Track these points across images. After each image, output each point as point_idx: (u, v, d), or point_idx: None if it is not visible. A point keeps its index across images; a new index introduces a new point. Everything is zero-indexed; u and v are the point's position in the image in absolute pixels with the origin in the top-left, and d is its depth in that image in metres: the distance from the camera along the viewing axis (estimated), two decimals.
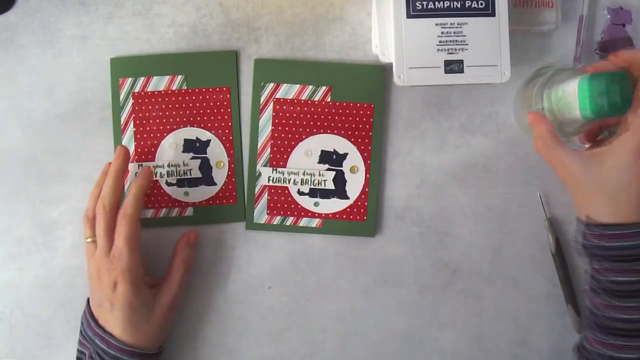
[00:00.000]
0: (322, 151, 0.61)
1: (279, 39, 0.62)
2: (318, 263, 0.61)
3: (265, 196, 0.61)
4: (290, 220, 0.61)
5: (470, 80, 0.56)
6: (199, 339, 0.60)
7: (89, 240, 0.56)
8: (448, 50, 0.56)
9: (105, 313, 0.54)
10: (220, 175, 0.61)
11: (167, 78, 0.61)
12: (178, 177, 0.61)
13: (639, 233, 0.49)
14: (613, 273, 0.50)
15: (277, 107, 0.61)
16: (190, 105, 0.61)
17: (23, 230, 0.61)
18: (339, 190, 0.61)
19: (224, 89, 0.61)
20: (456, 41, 0.56)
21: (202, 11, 0.62)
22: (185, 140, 0.61)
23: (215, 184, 0.61)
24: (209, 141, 0.61)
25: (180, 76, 0.61)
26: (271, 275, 0.61)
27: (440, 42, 0.56)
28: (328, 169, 0.61)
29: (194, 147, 0.61)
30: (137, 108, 0.61)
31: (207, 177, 0.61)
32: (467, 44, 0.56)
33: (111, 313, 0.54)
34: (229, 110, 0.61)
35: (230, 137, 0.61)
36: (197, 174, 0.61)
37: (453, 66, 0.56)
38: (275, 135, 0.61)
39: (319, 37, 0.62)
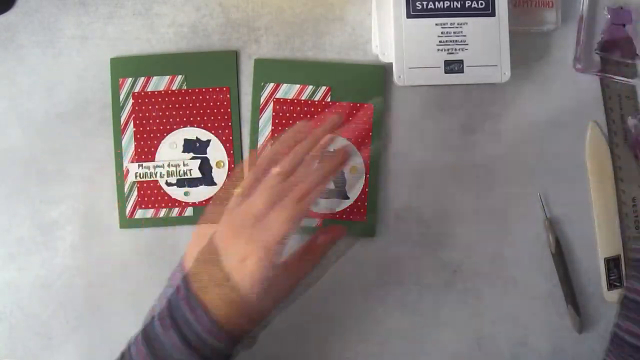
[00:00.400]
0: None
1: (279, 39, 0.62)
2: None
3: None
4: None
5: (470, 80, 0.56)
6: None
7: (240, 190, 0.48)
8: (448, 50, 0.56)
9: (212, 278, 0.45)
10: (220, 175, 0.61)
11: (167, 78, 0.61)
12: (178, 177, 0.61)
13: None
14: None
15: (277, 107, 0.61)
16: (190, 105, 0.61)
17: (23, 230, 0.61)
18: (339, 191, 0.61)
19: (224, 89, 0.61)
20: (456, 41, 0.56)
21: (202, 11, 0.62)
22: (185, 140, 0.61)
23: (215, 184, 0.61)
24: (209, 141, 0.61)
25: (180, 76, 0.61)
26: None
27: (440, 42, 0.56)
28: None
29: (194, 147, 0.61)
30: (137, 108, 0.61)
31: (207, 177, 0.61)
32: (467, 44, 0.56)
33: (219, 286, 0.45)
34: (229, 110, 0.61)
35: (231, 137, 0.61)
36: (197, 174, 0.61)
37: (453, 66, 0.56)
38: (276, 135, 0.61)
39: (319, 37, 0.62)
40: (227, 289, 0.45)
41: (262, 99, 0.61)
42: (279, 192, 0.46)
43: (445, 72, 0.56)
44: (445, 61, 0.56)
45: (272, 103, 0.61)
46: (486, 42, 0.56)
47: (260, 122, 0.61)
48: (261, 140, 0.61)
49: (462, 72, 0.56)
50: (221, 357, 0.47)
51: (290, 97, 0.61)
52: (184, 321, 0.46)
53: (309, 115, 0.61)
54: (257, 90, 0.61)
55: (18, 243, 0.61)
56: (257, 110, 0.61)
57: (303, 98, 0.61)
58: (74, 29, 0.61)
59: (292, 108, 0.61)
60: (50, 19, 0.61)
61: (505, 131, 0.62)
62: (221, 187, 0.59)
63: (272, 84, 0.61)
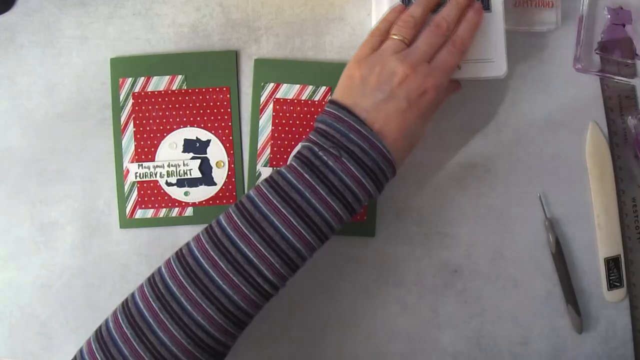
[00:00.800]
0: None
1: (279, 39, 0.62)
2: (318, 263, 0.61)
3: None
4: None
5: (467, 75, 0.56)
6: None
7: (399, 37, 0.51)
8: None
9: (392, 109, 0.48)
10: (220, 175, 0.61)
11: (167, 78, 0.61)
12: (178, 177, 0.61)
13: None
14: None
15: (277, 107, 0.61)
16: (190, 105, 0.61)
17: (23, 230, 0.61)
18: None
19: (224, 89, 0.61)
20: None
21: (202, 11, 0.62)
22: (185, 140, 0.61)
23: (215, 184, 0.61)
24: (209, 141, 0.61)
25: (180, 76, 0.61)
26: None
27: None
28: None
29: (194, 147, 0.61)
30: (137, 108, 0.61)
31: (207, 177, 0.61)
32: None
33: (405, 112, 0.48)
34: (229, 110, 0.61)
35: (231, 137, 0.61)
36: (197, 174, 0.61)
37: None
38: (275, 135, 0.61)
39: (319, 37, 0.62)
40: (409, 118, 0.49)
41: (262, 99, 0.61)
42: (439, 40, 0.51)
43: None
44: None
45: (272, 103, 0.61)
46: (482, 37, 0.56)
47: (260, 122, 0.61)
48: (261, 140, 0.61)
49: (459, 68, 0.56)
50: (370, 196, 0.49)
51: (290, 97, 0.61)
52: (357, 148, 0.47)
53: (309, 115, 0.61)
54: (257, 90, 0.61)
55: (18, 243, 0.61)
56: (257, 110, 0.61)
57: (303, 98, 0.61)
58: (74, 29, 0.61)
59: (292, 108, 0.61)
60: (50, 19, 0.61)
61: (505, 131, 0.62)
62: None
63: (272, 84, 0.61)
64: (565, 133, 0.62)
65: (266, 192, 0.47)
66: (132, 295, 0.48)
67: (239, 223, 0.46)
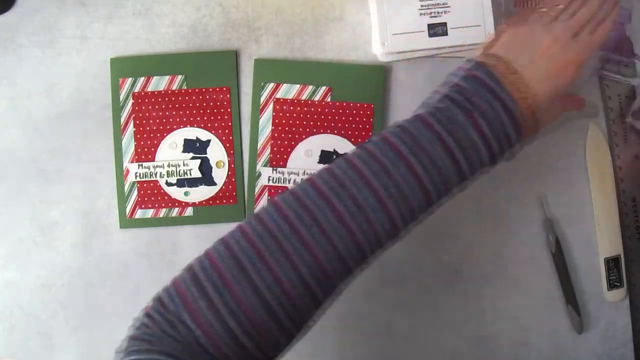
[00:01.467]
0: (322, 151, 0.61)
1: (279, 39, 0.62)
2: None
3: (266, 196, 0.61)
4: None
5: (454, 42, 0.56)
6: None
7: (545, 10, 0.51)
8: (431, 13, 0.57)
9: (526, 72, 0.47)
10: (220, 175, 0.61)
11: (167, 78, 0.61)
12: (178, 177, 0.61)
13: None
14: None
15: (277, 107, 0.61)
16: (190, 105, 0.61)
17: (23, 230, 0.61)
18: None
19: (224, 88, 0.61)
20: (438, 4, 0.57)
21: (202, 11, 0.62)
22: (185, 140, 0.61)
23: (215, 184, 0.61)
24: (209, 141, 0.61)
25: (180, 76, 0.61)
26: None
27: (422, 6, 0.57)
28: None
29: (194, 147, 0.61)
30: (137, 108, 0.61)
31: (207, 177, 0.61)
32: (449, 7, 0.57)
33: (540, 83, 0.47)
34: (229, 110, 0.61)
35: (230, 137, 0.61)
36: (197, 174, 0.61)
37: (437, 29, 0.57)
38: (276, 135, 0.61)
39: (319, 37, 0.62)
40: (543, 89, 0.47)
41: (262, 99, 0.61)
42: (593, 13, 0.50)
43: (430, 36, 0.57)
44: (429, 25, 0.57)
45: (272, 103, 0.61)
46: (469, 3, 0.56)
47: (260, 122, 0.61)
48: (261, 139, 0.61)
49: (446, 34, 0.56)
50: (493, 161, 0.48)
51: (290, 97, 0.61)
52: (489, 108, 0.45)
53: (309, 115, 0.61)
54: (257, 90, 0.61)
55: (18, 243, 0.61)
56: (257, 110, 0.61)
57: (303, 98, 0.61)
58: (74, 29, 0.61)
59: (292, 108, 0.61)
60: (50, 19, 0.61)
61: None
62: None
63: (272, 84, 0.61)
64: (565, 133, 0.62)
65: (393, 139, 0.45)
66: (233, 236, 0.45)
67: (361, 167, 0.44)
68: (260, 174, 0.61)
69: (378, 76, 0.61)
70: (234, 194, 0.61)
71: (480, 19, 0.57)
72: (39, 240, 0.61)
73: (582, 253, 0.61)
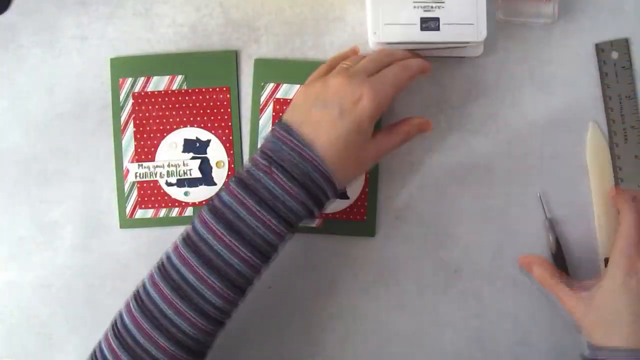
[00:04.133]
0: None
1: (279, 39, 0.62)
2: (318, 263, 0.61)
3: None
4: None
5: (446, 38, 0.56)
6: None
7: (345, 65, 0.52)
8: (424, 7, 0.57)
9: (325, 118, 0.48)
10: (220, 175, 0.61)
11: (167, 78, 0.61)
12: (178, 177, 0.61)
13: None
14: None
15: (277, 107, 0.61)
16: (190, 105, 0.61)
17: (23, 230, 0.61)
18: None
19: (224, 88, 0.61)
20: None
21: (202, 11, 0.62)
22: (185, 140, 0.61)
23: (215, 184, 0.61)
24: (209, 141, 0.61)
25: (180, 76, 0.61)
26: (271, 275, 0.61)
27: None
28: None
29: (194, 147, 0.61)
30: (137, 108, 0.61)
31: (207, 177, 0.61)
32: (443, 2, 0.57)
33: (335, 120, 0.47)
34: (229, 110, 0.61)
35: (231, 137, 0.61)
36: (197, 174, 0.61)
37: (429, 24, 0.57)
38: None
39: (319, 37, 0.62)
40: (341, 127, 0.48)
41: (263, 99, 0.61)
42: (382, 61, 0.52)
43: (422, 30, 0.57)
44: (422, 18, 0.57)
45: (272, 103, 0.61)
46: (463, 0, 0.56)
47: (261, 122, 0.61)
48: (261, 140, 0.61)
49: (438, 29, 0.56)
50: (308, 212, 0.49)
51: (290, 97, 0.61)
52: (288, 162, 0.47)
53: None
54: (257, 90, 0.61)
55: (18, 243, 0.61)
56: (257, 110, 0.61)
57: None
58: (74, 29, 0.61)
59: None
60: (50, 19, 0.61)
61: (505, 131, 0.62)
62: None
63: (272, 84, 0.61)
64: (565, 133, 0.62)
65: (205, 216, 0.48)
66: (143, 285, 0.49)
67: (183, 251, 0.47)
68: None
69: None
70: None
71: (474, 18, 0.57)
72: (39, 240, 0.61)
73: (582, 253, 0.61)
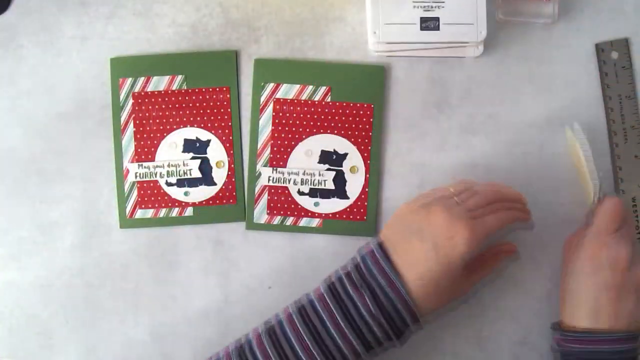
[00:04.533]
0: (322, 151, 0.61)
1: (279, 39, 0.62)
2: (318, 263, 0.61)
3: (266, 196, 0.61)
4: (290, 220, 0.61)
5: (446, 38, 0.57)
6: (199, 339, 0.60)
7: (455, 199, 0.51)
8: (424, 7, 0.57)
9: (419, 250, 0.48)
10: (220, 175, 0.61)
11: (167, 78, 0.61)
12: (178, 177, 0.61)
13: (609, 341, 0.51)
14: None
15: (277, 107, 0.61)
16: (191, 105, 0.61)
17: (23, 230, 0.61)
18: (339, 190, 0.61)
19: (224, 88, 0.61)
20: None
21: (202, 11, 0.62)
22: (186, 140, 0.61)
23: (215, 184, 0.61)
24: (209, 141, 0.61)
25: (180, 76, 0.61)
26: (271, 275, 0.61)
27: None
28: (328, 169, 0.61)
29: (194, 147, 0.61)
30: (137, 108, 0.61)
31: (207, 177, 0.61)
32: (443, 2, 0.57)
33: (428, 254, 0.48)
34: (229, 110, 0.61)
35: (231, 137, 0.61)
36: (197, 174, 0.61)
37: (429, 23, 0.57)
38: (276, 135, 0.61)
39: (319, 37, 0.62)
40: (431, 262, 0.48)
41: (262, 99, 0.61)
42: (489, 201, 0.52)
43: (421, 29, 0.57)
44: (421, 18, 0.57)
45: (272, 103, 0.61)
46: (463, 0, 0.57)
47: (260, 122, 0.61)
48: (261, 139, 0.61)
49: (438, 29, 0.56)
50: (388, 338, 0.50)
51: (290, 97, 0.61)
52: (376, 285, 0.48)
53: (309, 115, 0.61)
54: (257, 90, 0.61)
55: (18, 243, 0.61)
56: (257, 110, 0.61)
57: (303, 98, 0.61)
58: (74, 29, 0.61)
59: (292, 108, 0.61)
60: (50, 19, 0.61)
61: (505, 131, 0.62)
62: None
63: (272, 84, 0.61)
64: (565, 133, 0.62)
65: (294, 318, 0.50)
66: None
67: (264, 344, 0.49)
68: (260, 174, 0.61)
69: (378, 76, 0.61)
70: (234, 194, 0.61)
71: (474, 18, 0.57)
72: (39, 240, 0.61)
73: None
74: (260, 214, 0.61)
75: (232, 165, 0.61)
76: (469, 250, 0.48)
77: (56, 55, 0.61)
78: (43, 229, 0.61)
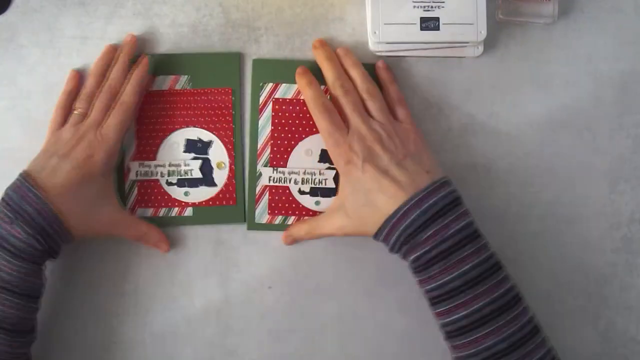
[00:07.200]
0: (323, 150, 0.61)
1: (279, 39, 0.62)
2: (318, 263, 0.61)
3: (266, 196, 0.61)
4: (291, 220, 0.61)
5: (446, 38, 0.57)
6: (199, 339, 0.60)
7: (77, 112, 0.57)
8: (424, 7, 0.57)
9: (56, 170, 0.54)
10: (220, 176, 0.61)
11: (170, 78, 0.61)
12: (179, 177, 0.61)
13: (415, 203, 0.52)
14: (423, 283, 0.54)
15: (277, 106, 0.61)
16: (193, 105, 0.61)
17: None
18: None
19: (227, 90, 0.61)
20: None
21: (202, 11, 0.62)
22: (187, 140, 0.61)
23: (215, 185, 0.61)
24: (210, 142, 0.61)
25: (184, 76, 0.61)
26: (271, 275, 0.61)
27: None
28: (328, 168, 0.61)
29: (195, 147, 0.61)
30: (140, 107, 0.60)
31: (207, 178, 0.61)
32: (443, 2, 0.57)
33: (69, 171, 0.54)
34: (232, 111, 0.61)
35: (232, 139, 0.61)
36: (198, 174, 0.61)
37: (429, 23, 0.57)
38: (275, 135, 0.61)
39: (319, 37, 0.62)
40: (76, 176, 0.54)
41: (261, 99, 0.61)
42: (107, 102, 0.57)
43: (421, 29, 0.57)
44: (421, 18, 0.57)
45: (271, 103, 0.61)
46: (463, 0, 0.57)
47: (260, 122, 0.61)
48: (261, 140, 0.61)
49: (438, 29, 0.56)
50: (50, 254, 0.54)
51: (289, 97, 0.61)
52: (25, 210, 0.52)
53: (308, 115, 0.61)
54: (256, 90, 0.61)
55: None
56: (257, 111, 0.61)
57: (302, 97, 0.61)
58: (74, 29, 0.61)
59: (291, 108, 0.61)
60: (50, 19, 0.61)
61: (505, 131, 0.62)
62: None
63: (270, 84, 0.61)
64: (565, 133, 0.62)
65: None
66: None
67: None
68: (260, 174, 0.61)
69: (371, 73, 0.61)
70: (234, 195, 0.61)
71: (474, 17, 0.57)
72: None
73: (582, 253, 0.61)
74: (261, 214, 0.61)
75: (233, 167, 0.61)
76: (110, 156, 0.56)
77: (56, 55, 0.61)
78: None
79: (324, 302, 0.61)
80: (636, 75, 0.63)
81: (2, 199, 0.53)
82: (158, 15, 0.62)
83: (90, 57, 0.61)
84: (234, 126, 0.61)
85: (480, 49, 0.60)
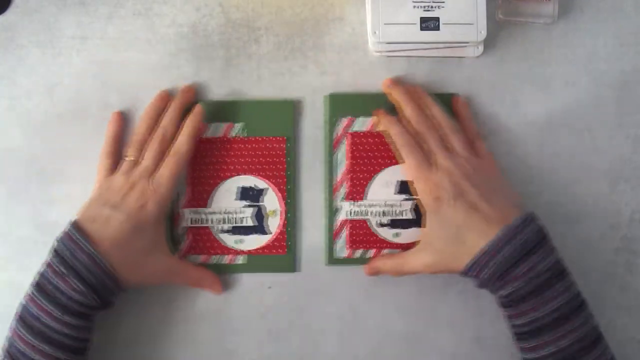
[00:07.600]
0: (400, 181, 0.60)
1: (279, 39, 0.62)
2: (317, 263, 0.61)
3: (346, 230, 0.60)
4: (370, 253, 0.60)
5: (446, 38, 0.57)
6: (198, 339, 0.60)
7: (129, 159, 0.57)
8: (424, 7, 0.57)
9: (108, 221, 0.53)
10: (273, 224, 0.60)
11: (224, 125, 0.60)
12: (232, 224, 0.60)
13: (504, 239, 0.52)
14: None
15: (352, 140, 0.60)
16: (247, 153, 0.60)
17: (23, 230, 0.61)
18: (417, 220, 0.60)
19: (281, 138, 0.60)
20: None
21: (202, 11, 0.62)
22: (241, 187, 0.60)
23: (267, 233, 0.60)
24: (264, 190, 0.60)
25: (238, 124, 0.60)
26: (271, 275, 0.61)
27: None
28: (406, 199, 0.60)
29: (249, 195, 0.60)
30: (194, 154, 0.59)
31: (260, 226, 0.60)
32: (443, 2, 0.57)
33: (120, 222, 0.53)
34: (284, 159, 0.60)
35: (284, 187, 0.60)
36: (250, 222, 0.60)
37: (429, 23, 0.57)
38: (353, 168, 0.60)
39: (319, 37, 0.62)
40: (126, 228, 0.53)
41: (336, 134, 0.60)
42: (162, 149, 0.57)
43: (421, 29, 0.57)
44: (421, 18, 0.57)
45: (346, 137, 0.60)
46: (463, 0, 0.57)
47: (336, 157, 0.60)
48: (338, 174, 0.60)
49: (438, 29, 0.56)
50: (104, 299, 0.53)
51: (364, 130, 0.60)
52: (78, 264, 0.51)
53: (383, 147, 0.60)
54: (331, 125, 0.60)
55: (18, 243, 0.61)
56: (331, 146, 0.60)
57: (377, 130, 0.60)
58: (74, 29, 0.61)
59: (367, 140, 0.60)
60: (50, 19, 0.61)
61: (505, 131, 0.62)
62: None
63: (345, 119, 0.60)
64: (565, 133, 0.62)
65: (15, 327, 0.52)
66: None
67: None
68: (338, 209, 0.60)
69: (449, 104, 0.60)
70: (284, 244, 0.60)
71: (474, 17, 0.57)
72: (39, 241, 0.60)
73: (582, 253, 0.61)
74: (340, 248, 0.60)
75: (287, 215, 0.60)
76: (162, 207, 0.55)
77: (56, 55, 0.61)
78: (43, 229, 0.60)
79: (324, 302, 0.61)
80: (636, 75, 0.63)
81: (55, 249, 0.53)
82: (158, 15, 0.62)
83: (90, 57, 0.61)
84: (287, 174, 0.60)
85: (480, 49, 0.60)
